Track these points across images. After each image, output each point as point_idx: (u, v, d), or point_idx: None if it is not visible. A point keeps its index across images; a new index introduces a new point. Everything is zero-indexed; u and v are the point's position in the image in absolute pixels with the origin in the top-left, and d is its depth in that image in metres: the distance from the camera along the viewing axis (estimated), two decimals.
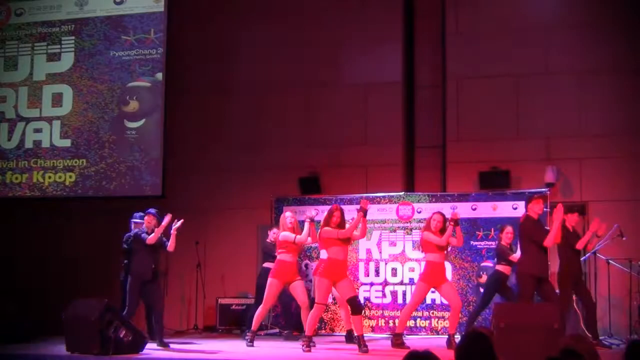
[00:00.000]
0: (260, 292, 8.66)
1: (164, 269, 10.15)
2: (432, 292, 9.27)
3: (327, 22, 11.37)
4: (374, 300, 9.81)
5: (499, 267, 8.62)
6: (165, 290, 10.17)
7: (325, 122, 11.19)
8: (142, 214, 8.77)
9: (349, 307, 7.79)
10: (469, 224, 9.55)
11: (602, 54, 10.31)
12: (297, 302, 8.36)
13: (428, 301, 9.59)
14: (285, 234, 8.33)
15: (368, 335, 8.98)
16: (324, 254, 7.69)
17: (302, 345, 7.60)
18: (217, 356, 7.70)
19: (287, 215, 8.48)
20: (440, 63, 11.02)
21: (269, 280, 8.30)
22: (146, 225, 8.45)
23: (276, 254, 8.48)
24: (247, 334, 8.39)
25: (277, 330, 9.89)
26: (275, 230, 9.27)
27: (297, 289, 8.29)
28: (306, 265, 10.00)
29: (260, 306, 8.30)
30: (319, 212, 9.03)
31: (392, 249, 9.82)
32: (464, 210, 9.67)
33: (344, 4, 11.36)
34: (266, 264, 9.25)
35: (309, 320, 7.74)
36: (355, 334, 7.78)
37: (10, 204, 11.88)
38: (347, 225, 7.83)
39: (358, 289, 9.60)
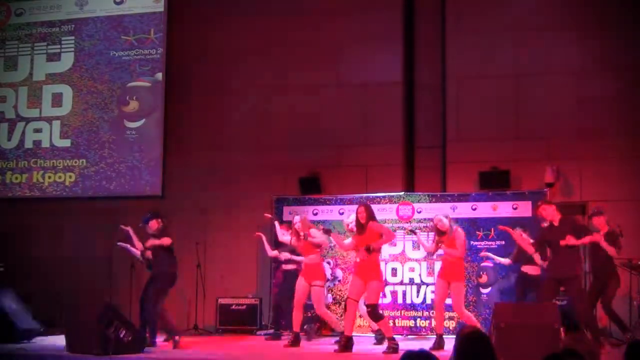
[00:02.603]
0: None
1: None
2: (433, 292, 9.30)
3: (327, 22, 11.36)
4: None
5: (523, 268, 8.85)
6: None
7: (325, 122, 11.18)
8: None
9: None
10: (469, 224, 9.55)
11: (601, 54, 10.30)
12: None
13: (428, 301, 9.60)
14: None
15: (368, 335, 9.00)
16: None
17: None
18: (216, 356, 7.71)
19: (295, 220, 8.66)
20: (440, 63, 11.01)
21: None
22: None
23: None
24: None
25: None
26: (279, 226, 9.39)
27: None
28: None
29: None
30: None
31: (392, 249, 9.80)
32: (464, 210, 9.67)
33: (344, 4, 11.35)
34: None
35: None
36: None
37: (10, 204, 11.88)
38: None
39: None
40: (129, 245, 8.74)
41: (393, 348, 7.50)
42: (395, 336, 7.94)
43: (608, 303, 8.39)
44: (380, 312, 7.94)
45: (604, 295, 8.37)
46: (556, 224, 7.80)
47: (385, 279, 9.72)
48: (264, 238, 9.66)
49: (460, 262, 8.15)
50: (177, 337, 8.19)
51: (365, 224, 7.74)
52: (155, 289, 8.33)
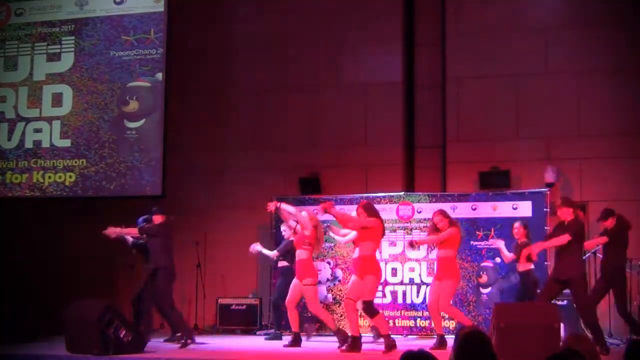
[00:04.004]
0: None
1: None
2: None
3: (327, 22, 11.37)
4: None
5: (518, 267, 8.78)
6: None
7: (326, 122, 11.19)
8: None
9: None
10: (469, 224, 9.55)
11: (602, 54, 10.31)
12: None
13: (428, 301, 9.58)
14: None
15: (368, 335, 9.00)
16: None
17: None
18: (216, 356, 7.71)
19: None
20: (440, 63, 11.02)
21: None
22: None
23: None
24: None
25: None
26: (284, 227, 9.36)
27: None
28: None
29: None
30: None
31: (392, 249, 9.81)
32: (464, 210, 9.67)
33: (344, 4, 11.36)
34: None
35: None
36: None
37: (10, 204, 11.87)
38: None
39: None
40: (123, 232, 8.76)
41: (390, 345, 7.50)
42: (395, 336, 7.94)
43: (623, 307, 8.34)
44: (375, 307, 7.86)
45: (619, 299, 8.30)
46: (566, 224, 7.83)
47: (385, 278, 9.73)
48: (260, 248, 9.57)
49: (450, 261, 8.08)
50: (189, 341, 8.23)
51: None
52: (160, 287, 8.38)
